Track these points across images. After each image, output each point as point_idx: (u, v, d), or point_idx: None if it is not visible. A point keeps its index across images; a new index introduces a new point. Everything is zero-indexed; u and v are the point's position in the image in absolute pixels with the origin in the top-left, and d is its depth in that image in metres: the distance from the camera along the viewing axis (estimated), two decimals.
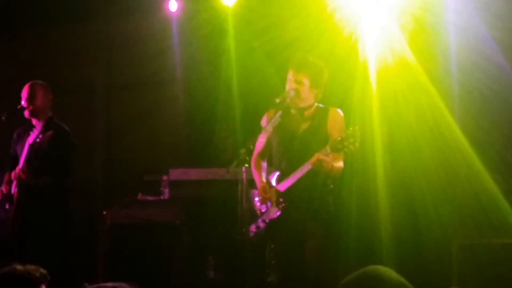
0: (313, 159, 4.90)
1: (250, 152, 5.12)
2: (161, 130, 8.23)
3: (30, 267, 3.41)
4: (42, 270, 3.41)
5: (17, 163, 6.01)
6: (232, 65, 7.60)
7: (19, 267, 3.40)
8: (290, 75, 5.17)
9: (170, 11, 7.79)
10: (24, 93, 6.09)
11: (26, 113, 6.08)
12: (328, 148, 4.86)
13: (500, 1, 6.38)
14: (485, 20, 6.41)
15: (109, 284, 2.66)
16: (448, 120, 6.49)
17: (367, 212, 6.49)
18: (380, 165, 6.45)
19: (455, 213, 6.42)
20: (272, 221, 5.22)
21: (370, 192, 6.50)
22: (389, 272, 2.27)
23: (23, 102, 6.06)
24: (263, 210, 5.28)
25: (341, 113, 5.24)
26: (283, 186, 5.15)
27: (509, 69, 6.45)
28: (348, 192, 6.12)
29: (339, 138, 4.84)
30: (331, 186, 5.22)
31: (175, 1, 7.71)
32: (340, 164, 5.05)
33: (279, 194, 5.15)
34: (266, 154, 5.37)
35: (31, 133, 6.06)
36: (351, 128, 4.88)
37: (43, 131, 6.03)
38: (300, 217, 5.13)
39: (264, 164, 5.33)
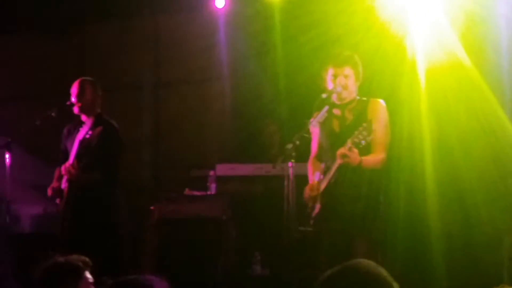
0: (337, 154, 4.89)
1: (296, 148, 5.06)
2: (208, 126, 8.33)
3: (71, 257, 3.46)
4: (83, 258, 3.46)
5: (67, 158, 6.06)
6: (278, 61, 7.63)
7: (60, 258, 3.45)
8: (331, 72, 5.18)
9: (217, 7, 7.79)
10: (74, 89, 6.14)
11: (76, 109, 6.13)
12: (349, 142, 4.82)
13: None
14: None
15: (133, 276, 2.65)
16: (500, 116, 6.41)
17: (416, 209, 6.42)
18: (429, 161, 6.37)
19: (507, 210, 6.29)
20: (316, 218, 5.21)
21: (418, 189, 6.42)
22: (372, 267, 2.23)
23: (72, 99, 6.12)
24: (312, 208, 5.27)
25: (382, 103, 5.21)
26: (323, 183, 5.14)
27: None
28: (396, 189, 6.05)
29: (356, 132, 4.85)
30: (378, 183, 5.18)
31: None
32: (373, 157, 5.03)
33: (320, 191, 5.14)
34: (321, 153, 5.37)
35: (80, 129, 6.13)
36: (364, 124, 4.86)
37: (93, 127, 6.07)
38: (345, 215, 5.09)
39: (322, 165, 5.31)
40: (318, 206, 5.21)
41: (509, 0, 6.44)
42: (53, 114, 6.22)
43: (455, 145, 6.38)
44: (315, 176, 5.24)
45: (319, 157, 5.34)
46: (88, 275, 3.40)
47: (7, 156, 6.25)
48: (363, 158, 4.93)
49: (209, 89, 8.38)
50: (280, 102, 7.58)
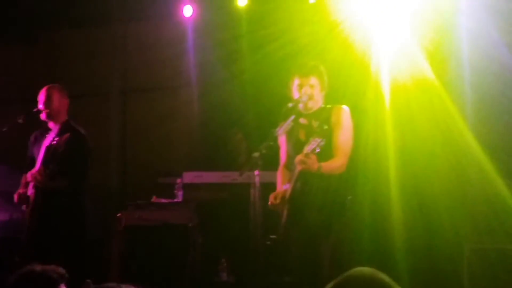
0: (295, 160, 4.95)
1: (263, 156, 5.11)
2: (176, 133, 8.33)
3: (49, 267, 3.44)
4: (60, 270, 3.43)
5: (33, 165, 6.02)
6: (246, 69, 7.69)
7: (38, 267, 3.43)
8: (297, 82, 5.21)
9: (185, 16, 7.80)
10: (41, 96, 6.11)
11: (43, 116, 6.10)
12: (306, 148, 4.88)
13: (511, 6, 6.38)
14: (497, 24, 6.41)
15: (112, 284, 2.64)
16: (460, 125, 6.49)
17: (380, 216, 6.47)
18: (393, 169, 6.44)
19: (467, 217, 6.37)
20: (283, 225, 5.22)
21: (383, 196, 6.47)
22: (375, 273, 2.28)
23: (40, 105, 6.09)
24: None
25: (346, 109, 5.23)
26: (288, 191, 5.16)
27: None
28: (362, 196, 6.10)
29: (310, 139, 4.90)
30: (344, 190, 5.20)
31: (190, 6, 7.73)
32: (333, 162, 5.06)
33: (285, 199, 5.16)
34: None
35: (47, 135, 6.10)
36: (320, 122, 5.00)
37: (60, 133, 6.04)
38: (312, 222, 5.11)
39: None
40: (285, 214, 5.20)
41: (470, 12, 6.56)
42: (20, 120, 6.15)
43: (418, 154, 6.46)
44: (283, 186, 5.25)
45: (287, 166, 5.35)
46: (63, 287, 3.33)
47: None
48: (322, 163, 4.94)
49: (177, 96, 8.41)
50: (247, 110, 7.61)
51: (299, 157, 4.94)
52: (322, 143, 4.90)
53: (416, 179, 6.45)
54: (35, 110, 6.10)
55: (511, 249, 6.11)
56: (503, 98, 6.54)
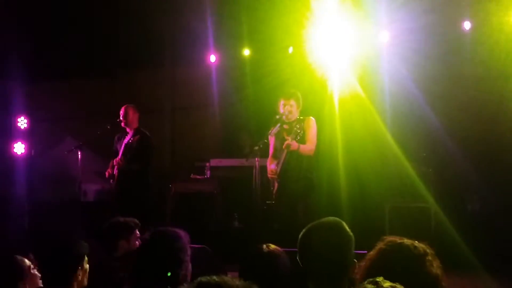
0: (284, 145, 4.98)
1: (260, 149, 5.21)
2: (205, 134, 8.25)
3: (128, 219, 3.51)
4: (135, 220, 3.54)
5: (117, 154, 6.12)
6: (250, 95, 7.59)
7: (121, 218, 3.54)
8: (282, 102, 5.23)
9: (210, 61, 7.77)
10: (122, 111, 6.20)
11: (122, 124, 6.19)
12: (290, 137, 4.97)
13: (415, 56, 6.45)
14: (406, 66, 6.51)
15: (166, 227, 2.60)
16: (383, 128, 6.59)
17: (333, 186, 6.43)
18: (341, 156, 6.41)
19: (387, 186, 6.41)
20: (275, 193, 5.26)
21: (335, 174, 6.44)
22: (338, 220, 2.28)
23: (120, 117, 6.17)
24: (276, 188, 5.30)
25: (313, 119, 5.28)
26: (278, 169, 5.18)
27: (422, 98, 6.51)
28: (322, 173, 6.11)
29: (294, 130, 4.97)
30: (312, 169, 5.24)
31: (213, 55, 7.71)
32: (307, 146, 5.09)
33: (276, 174, 5.20)
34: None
35: (126, 136, 6.19)
36: (298, 125, 5.03)
37: (133, 135, 6.16)
38: (292, 190, 5.16)
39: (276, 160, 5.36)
40: (276, 185, 5.25)
41: (389, 59, 6.63)
42: (108, 126, 6.28)
43: (356, 146, 6.47)
44: (271, 166, 5.27)
45: (274, 156, 5.36)
46: (137, 232, 3.44)
47: (79, 153, 6.31)
48: (300, 145, 5.03)
49: (206, 112, 8.27)
50: (250, 120, 7.47)
51: (286, 142, 4.97)
52: (299, 136, 5.01)
53: (355, 162, 6.46)
54: (117, 120, 6.18)
55: (414, 207, 6.10)
56: (410, 113, 6.62)
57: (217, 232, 6.43)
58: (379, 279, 1.63)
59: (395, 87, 6.52)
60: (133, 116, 6.21)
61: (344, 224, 2.24)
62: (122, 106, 6.25)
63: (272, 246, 2.47)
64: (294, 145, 5.01)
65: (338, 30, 6.53)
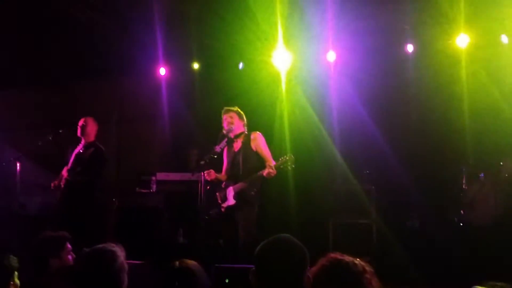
0: (266, 171, 4.99)
1: (206, 164, 5.19)
2: (152, 147, 8.19)
3: (58, 233, 3.37)
4: (65, 233, 3.37)
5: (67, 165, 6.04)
6: (199, 110, 7.57)
7: (50, 233, 3.36)
8: (224, 118, 5.31)
9: (160, 74, 7.76)
10: (81, 122, 6.13)
11: (78, 134, 6.08)
12: (274, 166, 4.97)
13: (361, 76, 6.66)
14: (351, 84, 6.68)
15: (102, 245, 2.55)
16: (331, 147, 6.75)
17: (281, 202, 6.47)
18: (290, 173, 6.09)
19: (334, 202, 6.50)
20: (229, 207, 5.26)
21: (283, 190, 6.41)
22: (289, 237, 2.28)
23: (79, 127, 6.06)
24: (220, 201, 5.31)
25: (259, 133, 5.31)
26: (237, 186, 5.19)
27: (367, 117, 6.68)
28: (269, 190, 6.05)
29: (284, 160, 4.95)
30: (257, 189, 5.26)
31: (163, 68, 7.70)
32: (273, 173, 5.08)
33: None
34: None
35: (78, 147, 6.10)
36: (289, 155, 4.99)
37: (86, 147, 6.07)
38: (240, 205, 5.19)
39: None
40: (219, 197, 5.32)
41: (336, 77, 6.77)
42: (50, 137, 6.17)
43: (305, 164, 6.27)
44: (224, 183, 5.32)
45: (226, 171, 5.41)
46: (68, 245, 3.34)
47: (18, 164, 6.16)
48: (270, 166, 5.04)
49: (155, 124, 8.19)
50: (199, 135, 7.48)
51: (268, 169, 4.97)
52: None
53: (304, 178, 6.49)
54: (60, 131, 6.11)
55: (358, 223, 6.23)
56: (356, 129, 6.70)
57: (161, 247, 6.34)
58: None
59: (342, 105, 6.68)
60: (92, 128, 6.16)
61: (297, 241, 2.27)
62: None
63: (189, 262, 2.43)
64: (272, 174, 5.04)
65: (287, 48, 6.67)
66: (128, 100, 8.47)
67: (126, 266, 2.51)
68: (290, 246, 2.22)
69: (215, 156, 5.25)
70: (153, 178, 6.93)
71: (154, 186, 6.90)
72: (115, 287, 2.44)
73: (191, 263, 2.42)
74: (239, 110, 5.39)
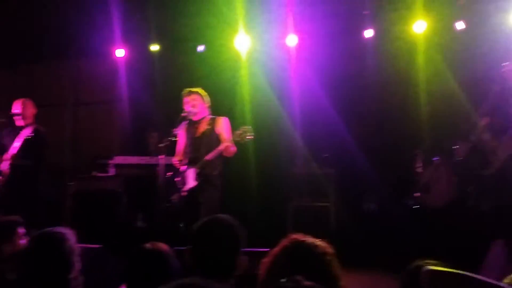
0: (224, 145, 4.90)
1: (166, 147, 5.16)
2: (111, 130, 8.08)
3: (8, 217, 3.31)
4: (17, 217, 3.30)
5: (5, 150, 5.87)
6: (159, 93, 7.50)
7: (0, 218, 3.32)
8: (185, 100, 5.20)
9: (118, 56, 7.57)
10: (17, 104, 5.97)
11: (17, 117, 5.94)
12: (229, 139, 4.89)
13: (321, 60, 6.70)
14: (311, 68, 6.73)
15: (51, 228, 2.54)
16: (292, 130, 6.77)
17: (242, 185, 6.52)
18: (252, 156, 6.48)
19: (294, 185, 6.55)
20: (191, 189, 5.15)
21: (244, 173, 6.53)
22: (228, 217, 2.34)
23: (15, 111, 5.90)
24: (180, 185, 5.22)
25: (226, 119, 5.25)
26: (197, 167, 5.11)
27: (327, 101, 6.74)
28: (230, 173, 6.09)
29: (240, 132, 4.79)
30: (219, 170, 5.21)
31: (122, 50, 7.53)
32: (233, 148, 5.03)
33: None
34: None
35: (19, 131, 5.94)
36: (246, 126, 4.85)
37: (27, 130, 5.92)
38: (204, 186, 5.10)
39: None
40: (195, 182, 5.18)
41: (296, 61, 6.78)
42: (2, 120, 6.00)
43: (267, 147, 6.61)
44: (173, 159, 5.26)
45: (184, 150, 5.32)
46: (20, 229, 3.27)
47: None
48: (232, 150, 4.98)
49: (112, 108, 8.12)
50: (159, 118, 7.43)
51: (225, 144, 4.88)
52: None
53: (265, 161, 6.54)
54: (11, 113, 5.94)
55: (319, 205, 6.30)
56: (316, 113, 6.73)
57: (120, 232, 6.26)
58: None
59: (303, 89, 6.73)
60: (31, 111, 6.02)
61: (235, 222, 2.32)
62: (20, 99, 6.02)
63: (160, 244, 2.43)
64: (230, 148, 4.96)
65: (247, 32, 6.65)
66: (84, 82, 8.28)
67: (76, 249, 2.49)
68: (225, 227, 2.27)
69: (175, 139, 5.24)
70: (110, 161, 6.81)
71: (112, 170, 6.78)
72: (65, 269, 2.41)
73: (162, 245, 2.42)
74: (203, 91, 5.31)
